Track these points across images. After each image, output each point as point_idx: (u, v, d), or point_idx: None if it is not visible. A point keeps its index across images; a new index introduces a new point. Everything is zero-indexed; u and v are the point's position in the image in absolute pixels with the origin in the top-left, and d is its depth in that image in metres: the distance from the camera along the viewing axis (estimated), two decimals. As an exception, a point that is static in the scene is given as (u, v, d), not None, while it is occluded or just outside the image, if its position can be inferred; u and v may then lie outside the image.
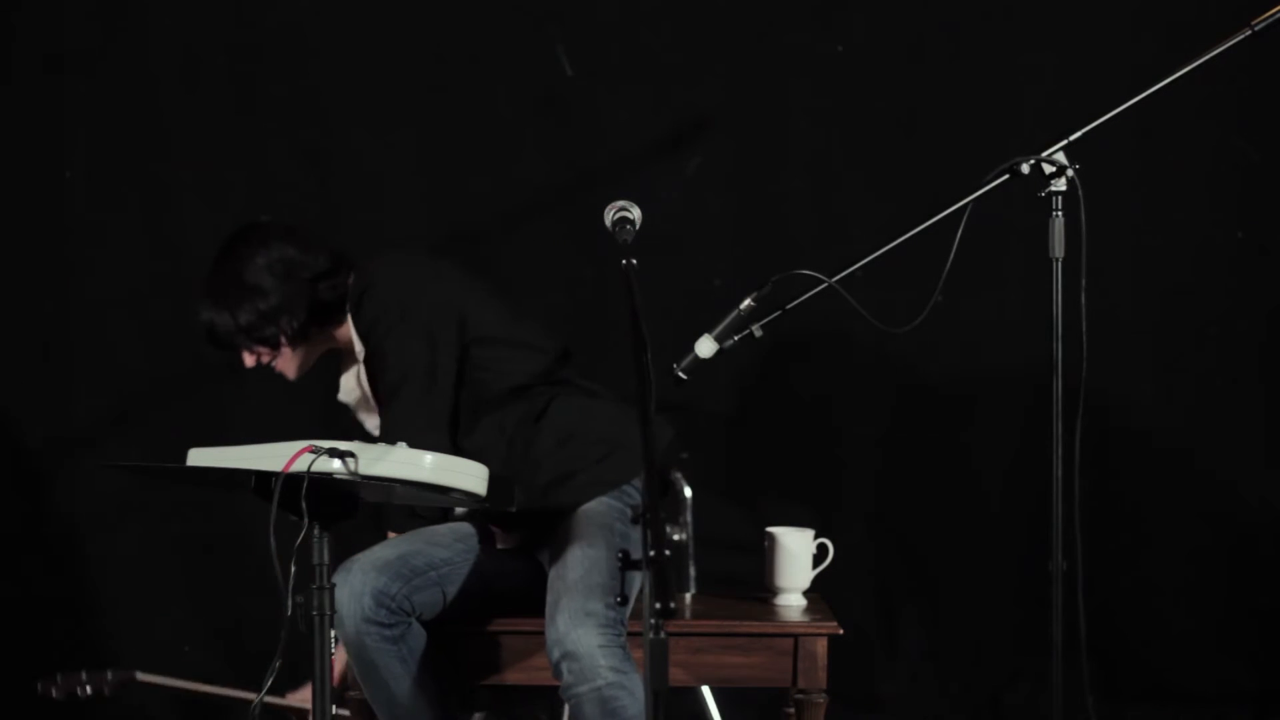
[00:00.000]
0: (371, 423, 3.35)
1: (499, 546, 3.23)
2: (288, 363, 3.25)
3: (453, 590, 3.07)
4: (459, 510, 3.25)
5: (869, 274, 3.10)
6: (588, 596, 2.92)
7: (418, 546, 3.07)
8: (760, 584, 3.38)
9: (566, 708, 3.53)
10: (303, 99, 4.19)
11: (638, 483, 3.17)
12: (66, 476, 4.22)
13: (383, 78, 4.20)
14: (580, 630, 2.87)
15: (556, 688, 3.43)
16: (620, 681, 2.85)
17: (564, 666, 2.87)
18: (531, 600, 3.10)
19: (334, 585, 2.67)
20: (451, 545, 3.12)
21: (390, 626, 2.95)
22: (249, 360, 3.23)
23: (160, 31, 4.17)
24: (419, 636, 3.01)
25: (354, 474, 2.55)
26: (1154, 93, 2.97)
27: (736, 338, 3.00)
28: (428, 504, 3.10)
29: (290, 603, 2.56)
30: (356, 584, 2.93)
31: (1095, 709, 3.08)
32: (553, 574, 3.00)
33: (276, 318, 3.18)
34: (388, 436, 3.08)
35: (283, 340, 3.20)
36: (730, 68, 4.24)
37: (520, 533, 3.22)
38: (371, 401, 3.30)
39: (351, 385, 3.33)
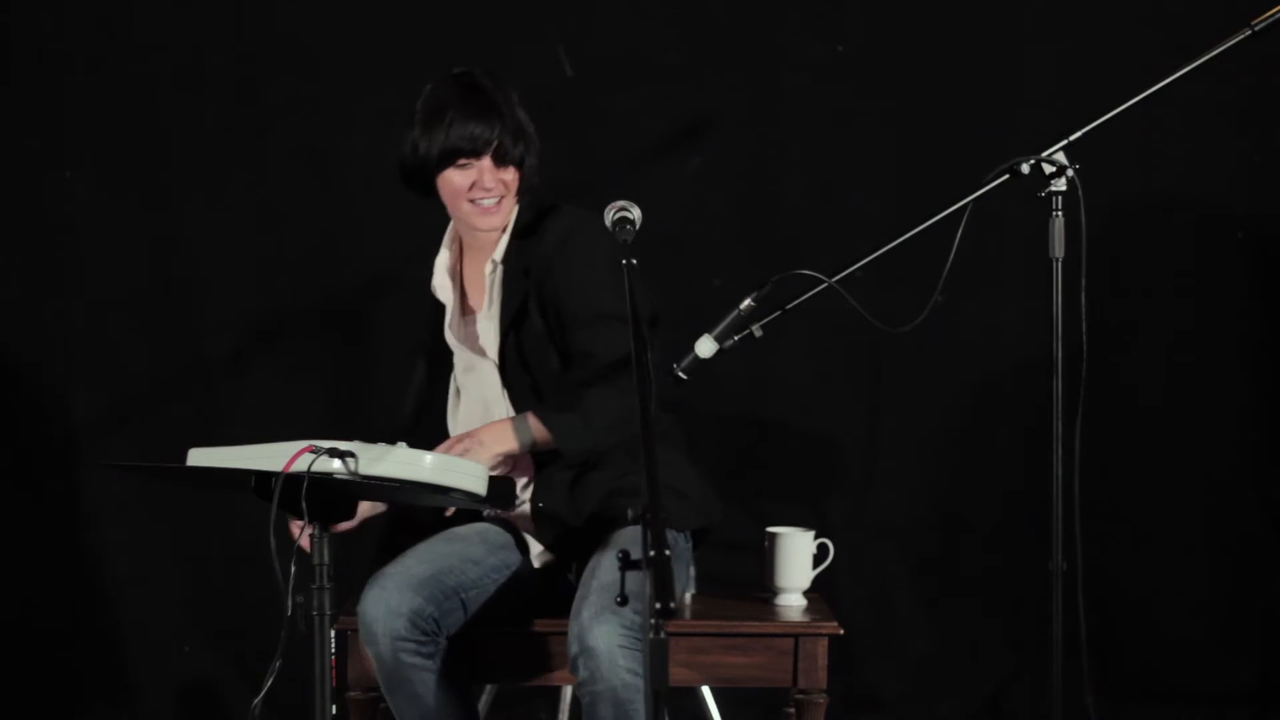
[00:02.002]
0: (461, 355, 3.25)
1: (535, 565, 3.21)
2: (507, 204, 3.17)
3: (475, 609, 3.06)
4: (490, 512, 3.23)
5: (869, 274, 3.10)
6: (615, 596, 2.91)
7: (451, 563, 3.04)
8: (760, 584, 3.38)
9: (566, 705, 3.55)
10: (303, 99, 4.19)
11: (688, 534, 3.23)
12: (66, 476, 4.22)
13: (383, 78, 4.19)
14: (602, 627, 2.82)
15: (556, 689, 3.44)
16: (637, 685, 2.80)
17: (581, 662, 2.84)
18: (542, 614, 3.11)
19: (362, 596, 2.69)
20: (484, 561, 3.09)
21: (423, 644, 2.93)
22: (492, 181, 3.11)
23: (160, 31, 4.17)
24: (444, 648, 3.01)
25: (354, 474, 2.55)
26: (1154, 93, 2.97)
27: (736, 338, 3.01)
28: (429, 504, 3.09)
29: (290, 603, 2.56)
30: (393, 602, 2.91)
31: (1095, 709, 3.08)
32: (585, 575, 2.99)
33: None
34: (605, 358, 3.06)
35: (532, 176, 3.18)
36: (730, 68, 4.24)
37: (554, 546, 3.20)
38: (460, 325, 3.25)
39: (446, 282, 3.25)
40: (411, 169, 3.14)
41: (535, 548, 3.20)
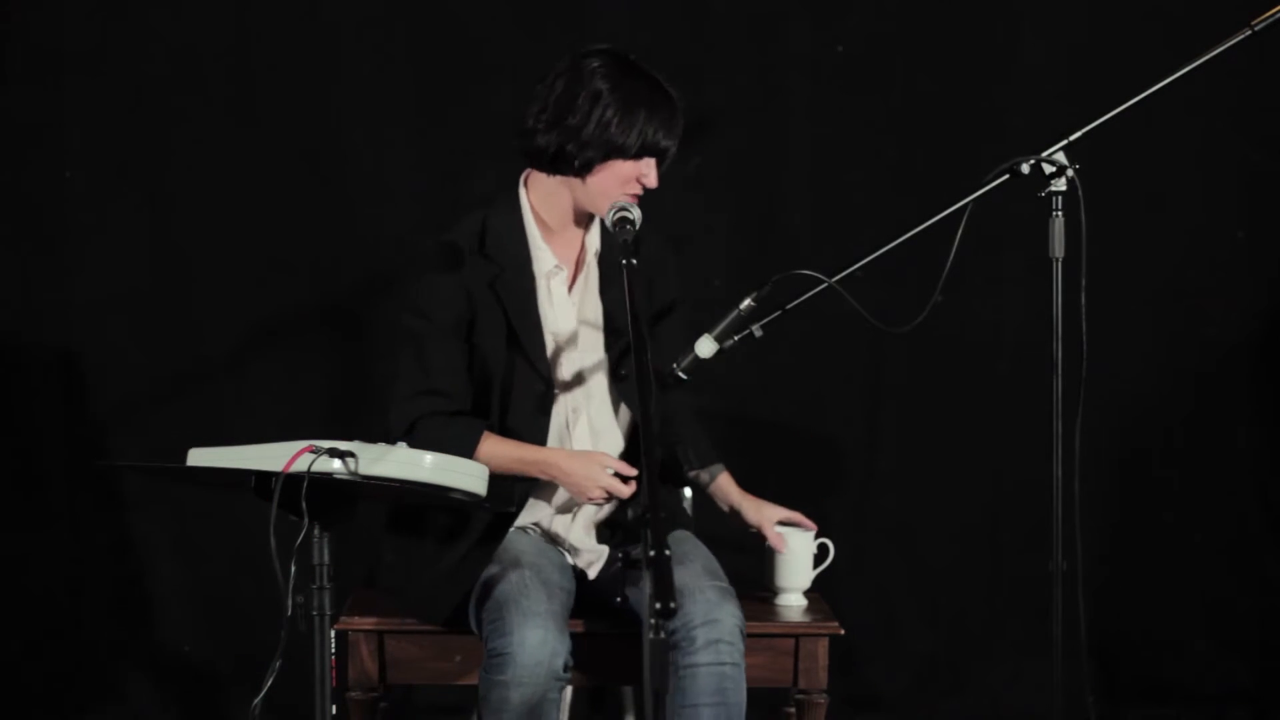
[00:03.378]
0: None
1: (591, 577, 3.19)
2: None
3: None
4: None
5: (869, 274, 3.10)
6: (721, 579, 3.03)
7: (561, 595, 3.02)
8: (760, 584, 3.38)
9: (566, 705, 3.53)
10: (303, 99, 4.19)
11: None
12: (67, 476, 4.21)
13: (382, 77, 4.20)
14: (730, 606, 2.96)
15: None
16: (739, 664, 2.94)
17: (700, 633, 2.92)
18: None
19: (509, 630, 2.82)
20: (569, 588, 3.09)
21: (564, 680, 2.94)
22: (656, 180, 3.10)
23: (160, 31, 4.17)
24: None
25: (354, 474, 2.55)
26: (1154, 93, 2.97)
27: (736, 338, 3.01)
28: (430, 504, 3.09)
29: (290, 603, 2.56)
30: (555, 644, 2.89)
31: (1095, 709, 3.08)
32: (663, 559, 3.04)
33: None
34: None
35: None
36: (730, 68, 4.24)
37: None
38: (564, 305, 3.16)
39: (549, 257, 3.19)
40: (588, 143, 3.02)
41: (588, 558, 3.18)
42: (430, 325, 3.08)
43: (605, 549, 3.19)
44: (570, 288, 3.18)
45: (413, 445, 2.70)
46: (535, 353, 3.10)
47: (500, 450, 3.04)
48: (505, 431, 3.10)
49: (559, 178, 3.10)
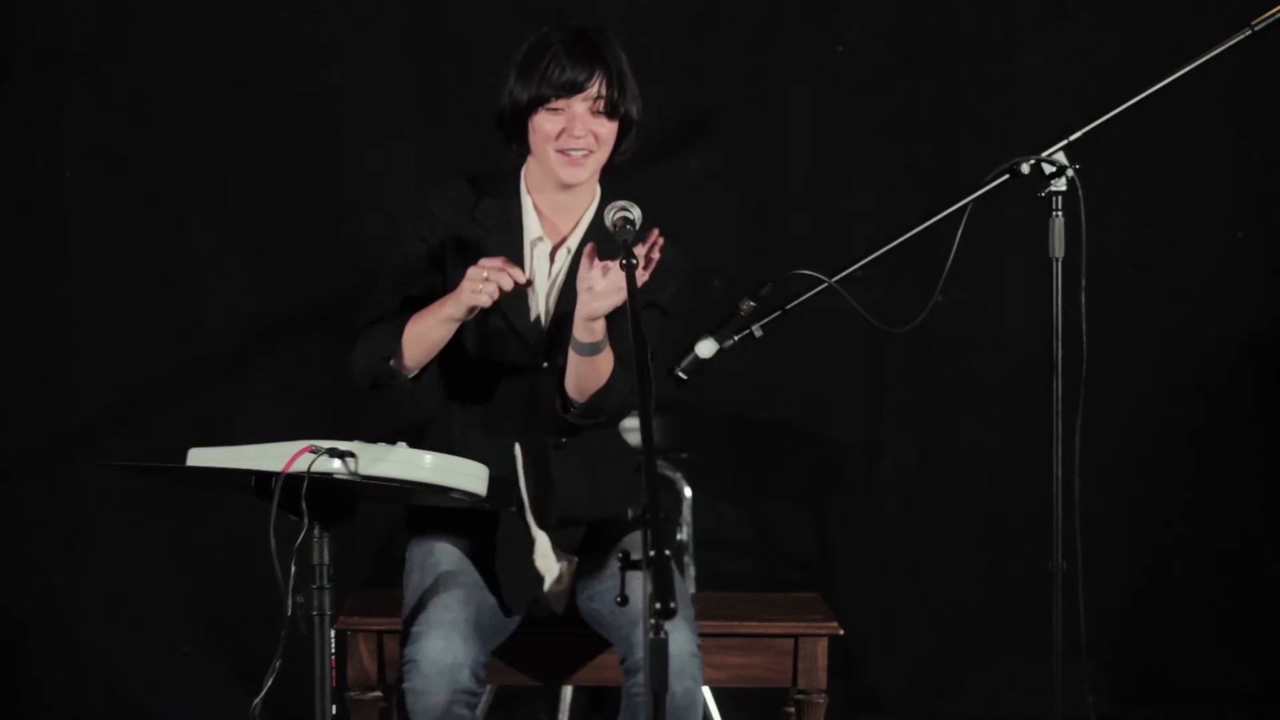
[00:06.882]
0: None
1: (556, 609, 3.09)
2: (595, 160, 2.96)
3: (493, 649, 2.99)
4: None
5: (869, 274, 3.10)
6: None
7: (487, 599, 2.94)
8: (759, 583, 3.39)
9: (566, 705, 3.53)
10: (303, 99, 4.19)
11: None
12: (66, 476, 4.21)
13: (382, 78, 4.20)
14: (679, 633, 2.81)
15: (556, 689, 3.42)
16: (699, 691, 2.85)
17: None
18: None
19: (414, 638, 2.75)
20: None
21: (475, 695, 2.87)
22: (582, 129, 2.90)
23: (160, 31, 4.17)
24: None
25: (354, 474, 2.55)
26: (1154, 93, 2.97)
27: (736, 338, 3.01)
28: (430, 504, 3.09)
29: (290, 603, 2.56)
30: (460, 653, 2.82)
31: (1095, 709, 3.09)
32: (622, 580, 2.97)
33: None
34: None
35: (627, 138, 2.98)
36: (730, 68, 4.24)
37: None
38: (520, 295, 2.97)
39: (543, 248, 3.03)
40: (503, 115, 2.96)
41: (550, 576, 3.06)
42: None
43: (564, 563, 3.05)
44: (551, 263, 3.02)
45: (353, 356, 2.82)
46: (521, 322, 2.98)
47: (422, 319, 2.87)
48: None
49: (530, 157, 2.99)
